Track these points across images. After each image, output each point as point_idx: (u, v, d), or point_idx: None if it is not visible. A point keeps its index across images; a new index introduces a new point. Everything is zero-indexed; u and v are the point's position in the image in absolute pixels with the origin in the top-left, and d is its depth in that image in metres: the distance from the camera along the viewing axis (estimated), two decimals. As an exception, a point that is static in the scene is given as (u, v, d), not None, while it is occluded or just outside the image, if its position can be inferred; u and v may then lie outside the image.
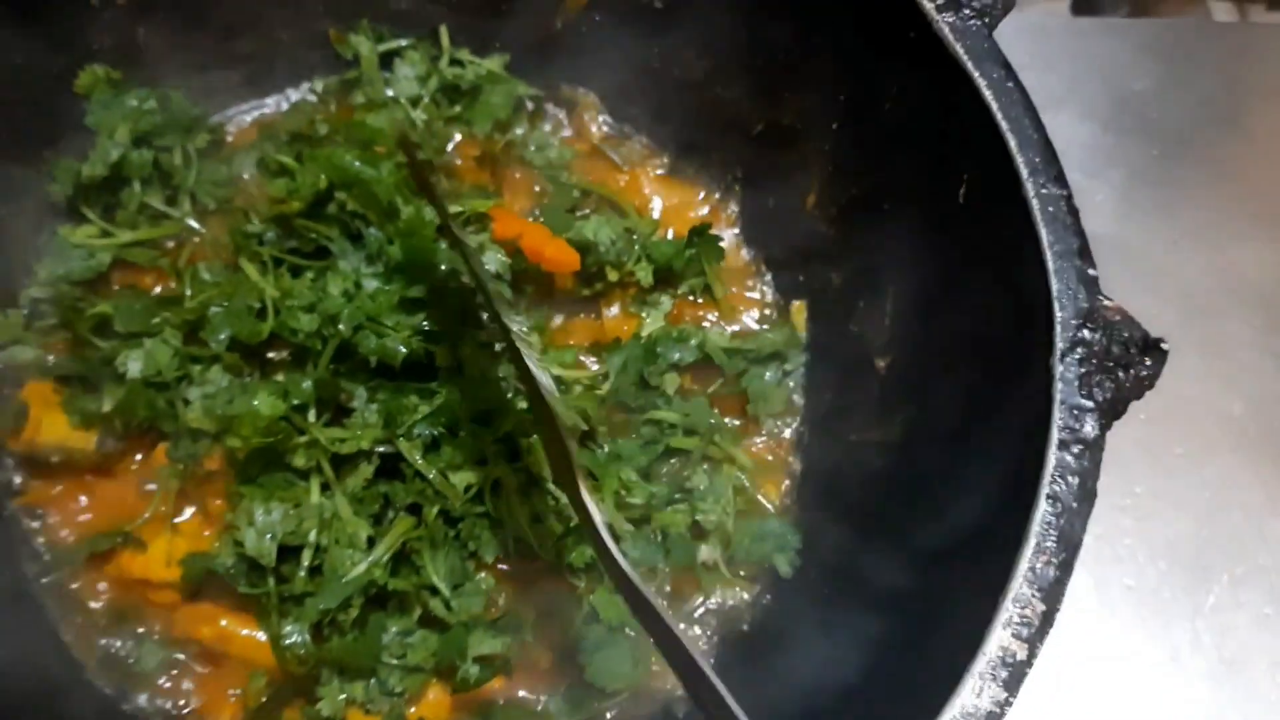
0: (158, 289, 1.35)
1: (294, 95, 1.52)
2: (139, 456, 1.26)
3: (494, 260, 1.29)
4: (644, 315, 1.37)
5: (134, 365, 1.22)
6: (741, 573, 1.29)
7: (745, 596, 1.28)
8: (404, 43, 1.48)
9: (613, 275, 1.35)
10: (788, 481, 1.36)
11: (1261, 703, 1.43)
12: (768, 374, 1.36)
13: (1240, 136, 1.88)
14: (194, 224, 1.38)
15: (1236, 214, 1.79)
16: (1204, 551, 1.52)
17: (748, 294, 1.46)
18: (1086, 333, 0.97)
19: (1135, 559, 1.50)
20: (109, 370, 1.23)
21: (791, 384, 1.38)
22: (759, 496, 1.34)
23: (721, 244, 1.41)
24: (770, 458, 1.37)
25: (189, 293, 1.27)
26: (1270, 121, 1.91)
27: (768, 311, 1.45)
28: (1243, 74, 1.97)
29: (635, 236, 1.39)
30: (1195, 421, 1.61)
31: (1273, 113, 1.93)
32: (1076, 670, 1.43)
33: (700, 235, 1.39)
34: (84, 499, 1.25)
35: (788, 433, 1.38)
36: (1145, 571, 1.50)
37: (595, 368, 1.34)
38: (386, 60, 1.49)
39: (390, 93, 1.47)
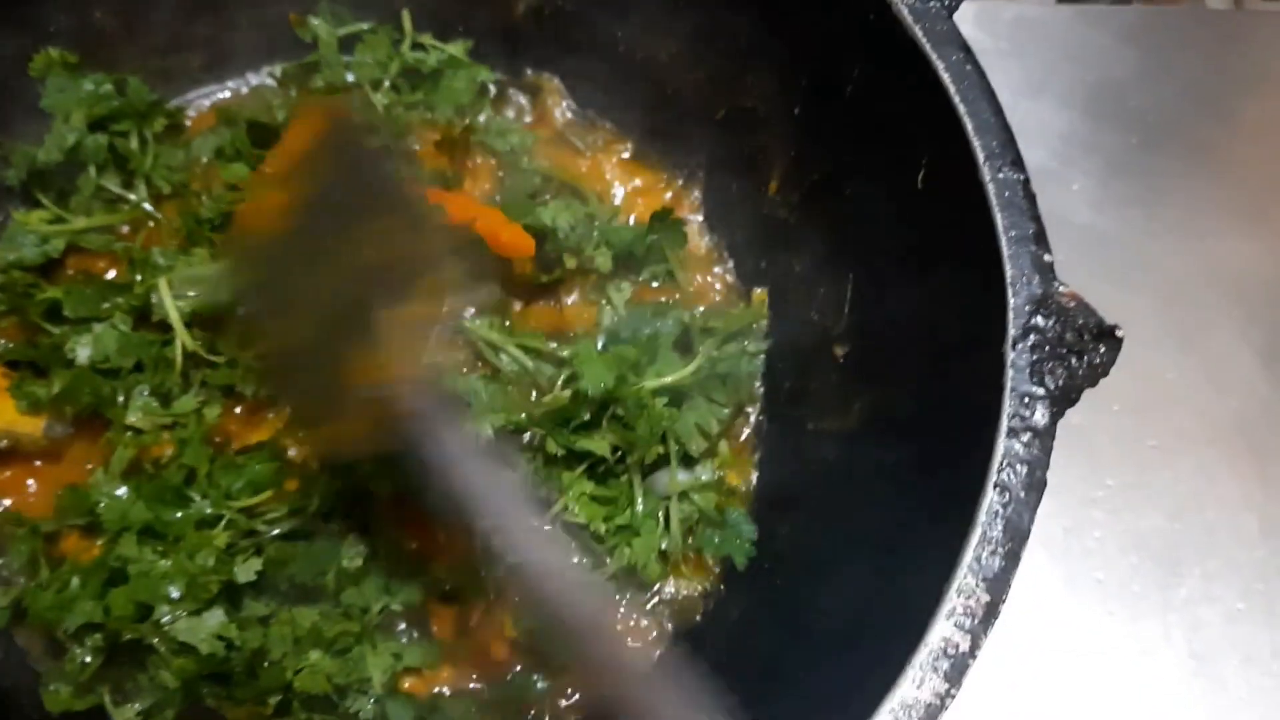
0: (112, 274, 1.33)
1: (254, 80, 1.51)
2: (86, 443, 1.25)
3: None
4: (603, 303, 1.34)
5: (83, 351, 1.21)
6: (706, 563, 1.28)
7: (699, 588, 1.27)
8: (365, 26, 1.47)
9: (570, 262, 1.34)
10: (748, 470, 1.35)
11: (1231, 698, 1.42)
12: (742, 362, 1.34)
13: (1222, 125, 1.86)
14: (150, 208, 1.36)
15: (1217, 204, 1.77)
16: (1176, 545, 1.50)
17: (710, 280, 1.44)
18: (1040, 319, 0.96)
19: (1105, 552, 1.48)
20: (58, 356, 1.22)
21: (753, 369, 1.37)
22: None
23: (684, 230, 1.40)
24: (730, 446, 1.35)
25: (139, 278, 1.25)
26: (1254, 110, 1.89)
27: (730, 298, 1.44)
28: (1229, 61, 1.95)
29: (595, 222, 1.37)
30: (1170, 414, 1.59)
31: (1257, 101, 1.91)
32: (1044, 664, 1.41)
33: (662, 220, 1.37)
34: (32, 484, 1.24)
35: (747, 421, 1.36)
36: (1116, 565, 1.48)
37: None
38: (348, 44, 1.48)
39: (351, 77, 1.46)
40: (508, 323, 1.33)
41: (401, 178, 1.15)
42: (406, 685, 1.18)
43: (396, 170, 1.17)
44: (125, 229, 1.36)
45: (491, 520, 0.95)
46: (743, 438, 1.36)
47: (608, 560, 1.21)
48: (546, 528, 0.94)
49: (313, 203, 1.07)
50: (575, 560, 0.98)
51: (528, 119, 1.52)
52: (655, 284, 1.39)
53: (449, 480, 0.95)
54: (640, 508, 1.22)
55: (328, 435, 1.10)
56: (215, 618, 1.09)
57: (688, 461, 1.27)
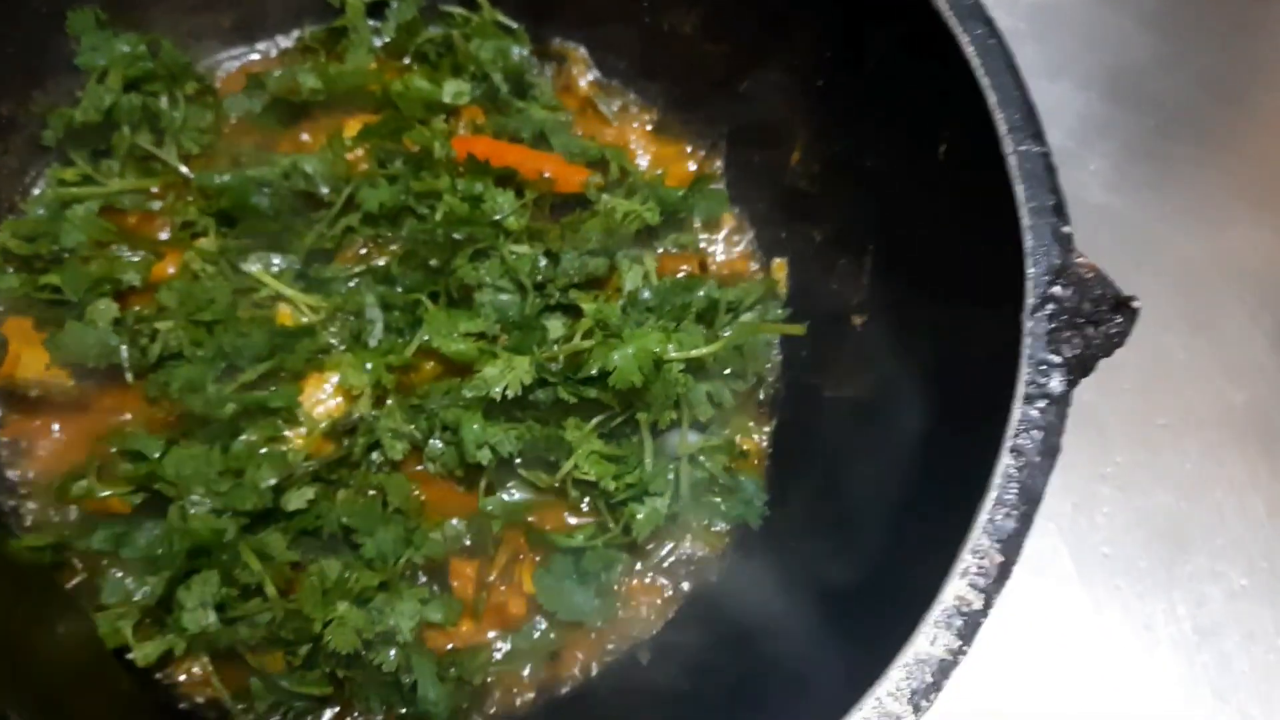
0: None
1: (284, 43, 1.53)
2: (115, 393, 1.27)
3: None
4: (628, 264, 1.35)
5: (103, 312, 1.25)
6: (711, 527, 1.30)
7: (715, 549, 1.29)
8: (393, -9, 1.49)
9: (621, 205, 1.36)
10: (763, 435, 1.37)
11: (1233, 673, 1.44)
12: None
13: (1237, 111, 1.87)
14: (184, 170, 1.39)
15: (1230, 189, 1.78)
16: (1182, 523, 1.52)
17: (731, 249, 1.46)
18: (1058, 289, 0.97)
19: (1113, 527, 1.51)
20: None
21: (771, 338, 1.39)
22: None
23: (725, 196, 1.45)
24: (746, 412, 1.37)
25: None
26: (1269, 98, 1.90)
27: (752, 266, 1.46)
28: (1246, 49, 1.96)
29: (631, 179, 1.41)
30: (1180, 394, 1.61)
31: (1272, 89, 1.92)
32: (1050, 635, 1.44)
33: (702, 185, 1.42)
34: (57, 429, 1.27)
35: (764, 387, 1.39)
36: (1123, 540, 1.50)
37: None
38: (377, 10, 1.50)
39: (378, 43, 1.48)
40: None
41: None
42: (425, 639, 1.20)
43: None
44: (154, 189, 1.38)
45: None
46: (759, 404, 1.38)
47: (610, 526, 1.25)
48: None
49: None
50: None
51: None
52: (677, 251, 1.42)
53: None
54: (650, 467, 1.24)
55: None
56: None
57: (699, 424, 1.30)
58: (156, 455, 1.18)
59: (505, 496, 1.26)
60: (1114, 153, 1.78)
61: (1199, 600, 1.47)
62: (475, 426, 1.19)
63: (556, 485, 1.24)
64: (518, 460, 1.24)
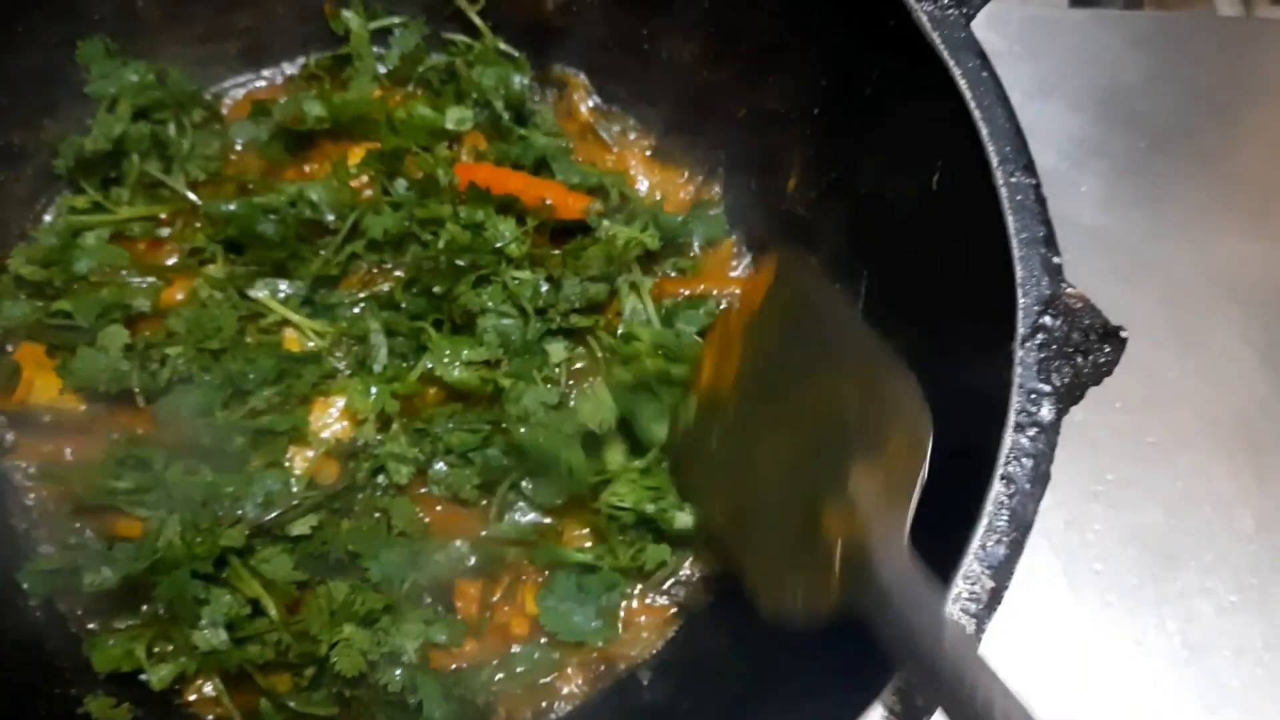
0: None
1: (289, 69, 1.55)
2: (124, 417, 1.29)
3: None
4: (626, 288, 1.38)
5: (114, 340, 1.27)
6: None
7: (713, 570, 1.31)
8: (396, 20, 1.52)
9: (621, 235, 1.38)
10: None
11: (1223, 689, 1.46)
12: None
13: (1229, 130, 1.90)
14: (192, 197, 1.41)
15: (1221, 207, 1.81)
16: (1172, 539, 1.54)
17: (729, 275, 1.49)
18: (1048, 319, 0.99)
19: (1104, 544, 1.53)
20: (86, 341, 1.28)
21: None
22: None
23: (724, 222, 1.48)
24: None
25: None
26: (1260, 116, 1.93)
27: (748, 292, 1.48)
28: (1238, 68, 1.98)
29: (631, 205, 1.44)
30: (1170, 411, 1.63)
31: (1264, 108, 1.95)
32: (1042, 650, 1.46)
33: (702, 211, 1.45)
34: (73, 455, 1.29)
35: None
36: (1114, 557, 1.52)
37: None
38: (381, 38, 1.52)
39: (382, 70, 1.51)
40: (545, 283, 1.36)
41: (859, 326, 1.10)
42: (430, 659, 1.23)
43: (853, 319, 1.13)
44: (163, 215, 1.41)
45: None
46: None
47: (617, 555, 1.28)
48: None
49: (774, 357, 1.06)
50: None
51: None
52: (676, 274, 1.44)
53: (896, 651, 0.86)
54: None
55: (786, 593, 1.04)
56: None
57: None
58: (161, 466, 1.21)
59: (515, 518, 1.29)
60: (1106, 173, 1.80)
61: (1189, 615, 1.49)
62: (480, 451, 1.22)
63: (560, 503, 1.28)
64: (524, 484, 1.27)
